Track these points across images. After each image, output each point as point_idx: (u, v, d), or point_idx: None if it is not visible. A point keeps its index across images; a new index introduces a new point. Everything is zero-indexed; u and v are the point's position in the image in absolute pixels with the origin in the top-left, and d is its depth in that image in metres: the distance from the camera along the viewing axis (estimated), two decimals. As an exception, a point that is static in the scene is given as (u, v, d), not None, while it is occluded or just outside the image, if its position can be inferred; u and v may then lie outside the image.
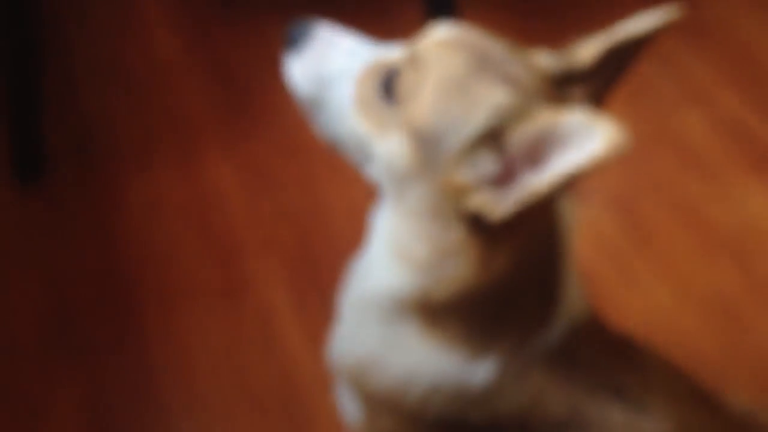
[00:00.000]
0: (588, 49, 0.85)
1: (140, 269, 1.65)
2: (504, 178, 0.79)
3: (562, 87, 0.86)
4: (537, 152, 0.75)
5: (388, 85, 0.86)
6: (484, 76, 0.81)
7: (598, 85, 0.87)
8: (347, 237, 1.68)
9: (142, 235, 1.71)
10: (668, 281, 1.59)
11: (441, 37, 0.86)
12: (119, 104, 1.97)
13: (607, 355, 0.91)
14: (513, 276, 0.84)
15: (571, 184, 0.75)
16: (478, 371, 0.88)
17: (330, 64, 0.91)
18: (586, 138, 0.70)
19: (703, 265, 1.61)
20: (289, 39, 0.94)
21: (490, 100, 0.80)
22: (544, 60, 0.86)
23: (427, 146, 0.82)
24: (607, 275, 1.60)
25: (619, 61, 0.86)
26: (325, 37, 0.93)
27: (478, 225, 0.81)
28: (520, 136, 0.76)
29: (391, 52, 0.90)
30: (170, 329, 1.56)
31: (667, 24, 0.84)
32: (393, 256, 0.88)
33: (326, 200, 1.77)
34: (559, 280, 0.88)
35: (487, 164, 0.79)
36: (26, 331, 1.58)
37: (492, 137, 0.79)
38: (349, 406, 1.03)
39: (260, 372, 1.51)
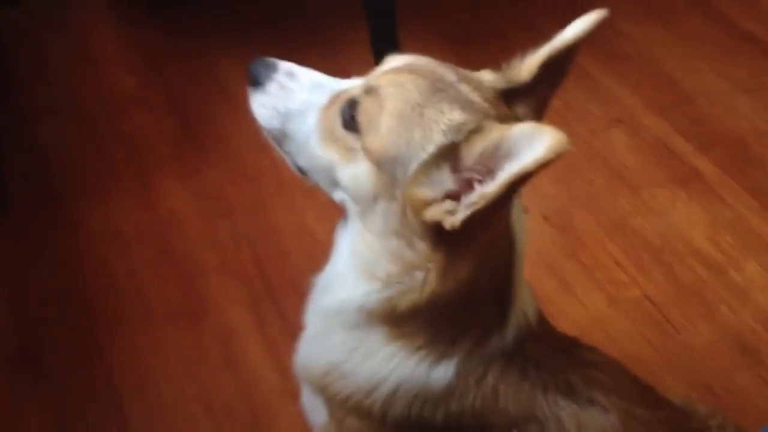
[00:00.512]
0: (526, 64, 0.92)
1: (102, 295, 1.69)
2: (462, 191, 0.84)
3: (508, 101, 0.92)
4: (491, 164, 0.80)
5: (348, 115, 0.91)
6: (436, 98, 0.87)
7: (538, 98, 0.94)
8: (299, 256, 1.76)
9: (102, 262, 1.75)
10: (601, 288, 1.68)
11: (393, 66, 0.93)
12: (77, 139, 2.02)
13: (555, 355, 0.97)
14: (472, 283, 0.90)
15: (518, 189, 0.81)
16: (439, 373, 0.94)
17: (293, 99, 0.98)
18: (532, 144, 0.76)
19: (633, 272, 1.70)
20: (253, 77, 1.01)
21: (443, 120, 0.86)
22: (489, 78, 0.93)
23: (388, 169, 0.88)
24: (543, 284, 1.67)
25: (555, 72, 0.93)
26: (286, 74, 1.00)
27: (440, 239, 0.86)
28: (473, 150, 0.82)
29: (351, 84, 0.97)
30: (134, 351, 1.60)
31: (598, 24, 0.91)
32: (358, 271, 0.94)
33: (278, 223, 1.83)
34: (512, 286, 0.94)
35: (444, 179, 0.84)
36: (-8, 357, 1.60)
37: (448, 154, 0.84)
38: (314, 413, 1.08)
39: (223, 389, 1.55)
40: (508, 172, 0.78)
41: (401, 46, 1.87)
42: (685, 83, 2.16)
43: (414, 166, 0.86)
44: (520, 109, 0.94)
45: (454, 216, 0.83)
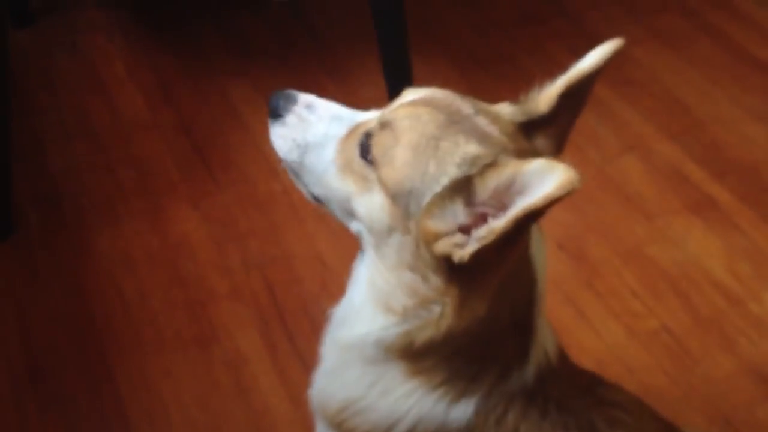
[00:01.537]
0: (544, 96, 0.92)
1: (112, 320, 1.68)
2: (475, 225, 0.83)
3: (528, 133, 0.92)
4: (505, 199, 0.80)
5: (365, 147, 0.91)
6: (451, 131, 0.87)
7: (558, 129, 0.94)
8: (311, 282, 1.75)
9: (112, 286, 1.73)
10: (618, 319, 1.66)
11: (410, 99, 0.93)
12: (87, 162, 2.01)
13: (577, 394, 0.95)
14: (490, 319, 0.88)
15: (529, 225, 0.81)
16: (459, 412, 0.92)
17: (312, 132, 0.98)
18: (543, 181, 0.75)
19: (650, 303, 1.68)
20: (272, 109, 1.01)
21: (458, 152, 0.85)
22: (507, 111, 0.93)
23: (402, 202, 0.87)
24: (559, 314, 1.64)
25: (573, 102, 0.93)
26: (306, 106, 1.00)
27: (453, 273, 0.85)
28: (487, 185, 0.81)
29: (370, 117, 0.96)
30: (144, 378, 1.58)
31: (615, 53, 0.91)
32: (375, 305, 0.93)
33: (289, 249, 1.81)
34: (533, 323, 0.92)
35: (457, 213, 0.83)
36: (1, 382, 1.58)
37: (461, 188, 0.83)
38: None
39: (234, 418, 1.53)
40: (517, 207, 0.77)
41: (413, 70, 1.87)
42: (698, 110, 2.15)
43: (427, 198, 0.85)
44: (540, 141, 0.93)
45: (463, 249, 0.82)
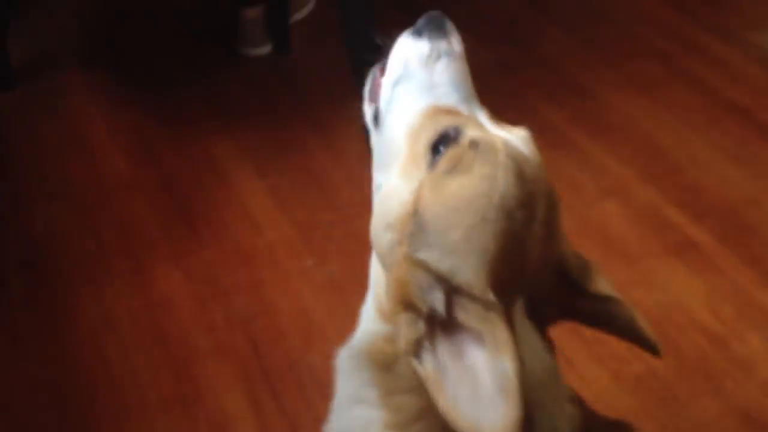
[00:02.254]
0: (601, 286, 0.87)
1: (94, 381, 1.66)
2: (443, 326, 0.76)
3: (566, 285, 0.86)
4: (465, 344, 0.75)
5: (441, 143, 0.81)
6: (500, 227, 0.77)
7: (589, 313, 0.89)
8: (295, 337, 1.74)
9: (94, 348, 1.72)
10: (603, 364, 1.65)
11: (516, 144, 0.81)
12: (69, 224, 2.00)
13: None
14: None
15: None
16: None
17: (432, 73, 0.88)
18: (489, 401, 0.71)
19: (635, 347, 1.68)
20: (418, 25, 0.90)
21: (479, 265, 0.76)
22: (572, 256, 0.86)
23: (417, 225, 0.79)
24: None
25: (602, 317, 0.89)
26: (446, 53, 0.88)
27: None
28: (466, 316, 0.75)
29: (482, 120, 0.86)
30: (127, 440, 1.56)
31: (648, 346, 0.91)
32: (373, 298, 0.88)
33: (273, 304, 1.81)
34: (531, 408, 0.81)
35: (435, 298, 0.77)
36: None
37: (451, 290, 0.76)
38: None
39: (219, 478, 1.51)
40: (449, 409, 0.73)
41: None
42: (675, 153, 2.17)
43: (425, 255, 0.78)
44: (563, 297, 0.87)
45: (408, 346, 0.76)
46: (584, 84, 2.40)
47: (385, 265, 0.84)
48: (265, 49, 2.57)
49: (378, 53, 0.92)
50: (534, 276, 0.81)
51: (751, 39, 2.56)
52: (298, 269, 1.87)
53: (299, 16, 2.72)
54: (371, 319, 0.89)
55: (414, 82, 0.87)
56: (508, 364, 0.72)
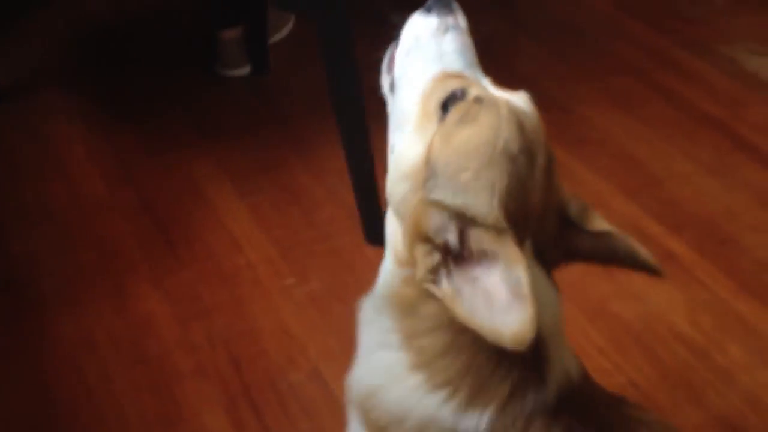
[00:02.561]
0: (598, 222, 0.94)
1: (75, 405, 1.64)
2: (455, 257, 0.83)
3: (568, 226, 0.93)
4: (483, 264, 0.81)
5: (449, 101, 0.90)
6: (507, 166, 0.84)
7: (588, 250, 0.95)
8: (277, 355, 1.73)
9: (75, 370, 1.70)
10: (585, 376, 1.66)
11: (520, 104, 0.90)
12: (48, 245, 2.00)
13: (602, 412, 0.94)
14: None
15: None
16: (471, 422, 0.89)
17: (440, 44, 0.97)
18: (505, 308, 0.78)
19: (616, 359, 1.69)
20: (428, 4, 1.00)
21: (487, 194, 0.83)
22: (569, 200, 0.93)
23: (429, 173, 0.87)
24: None
25: (604, 251, 0.95)
26: (453, 27, 0.99)
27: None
28: (479, 241, 0.82)
29: (485, 83, 0.95)
30: (109, 463, 1.55)
31: (650, 270, 0.96)
32: (390, 252, 0.95)
33: (255, 322, 1.80)
34: (545, 355, 0.89)
35: (448, 232, 0.83)
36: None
37: (465, 221, 0.83)
38: None
39: (202, 498, 1.50)
40: (467, 313, 0.80)
41: (373, 141, 1.89)
42: (652, 166, 2.19)
43: (440, 196, 0.85)
44: (573, 240, 0.94)
45: (425, 275, 0.83)
46: (561, 99, 2.42)
47: (401, 215, 0.91)
48: (244, 70, 2.58)
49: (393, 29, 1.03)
50: (539, 220, 0.88)
51: (723, 53, 2.60)
52: (279, 287, 1.87)
53: (278, 36, 2.73)
54: (389, 270, 0.95)
55: (424, 51, 0.97)
56: (520, 274, 0.79)
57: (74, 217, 2.07)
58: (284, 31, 2.76)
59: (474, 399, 0.89)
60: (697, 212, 2.04)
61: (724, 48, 2.63)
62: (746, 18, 2.78)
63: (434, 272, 0.84)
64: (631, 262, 0.96)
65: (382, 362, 0.94)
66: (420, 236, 0.85)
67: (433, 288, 0.84)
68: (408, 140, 0.91)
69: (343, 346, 1.70)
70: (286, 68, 2.62)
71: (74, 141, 2.32)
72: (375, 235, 1.96)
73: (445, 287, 0.83)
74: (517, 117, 0.87)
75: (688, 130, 2.30)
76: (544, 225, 0.89)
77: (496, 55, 2.61)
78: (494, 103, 0.88)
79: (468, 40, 0.99)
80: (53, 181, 2.19)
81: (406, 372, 0.91)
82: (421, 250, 0.84)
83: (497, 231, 0.82)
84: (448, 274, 0.84)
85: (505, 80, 0.94)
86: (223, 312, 1.82)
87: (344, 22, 1.73)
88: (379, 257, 2.00)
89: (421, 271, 0.84)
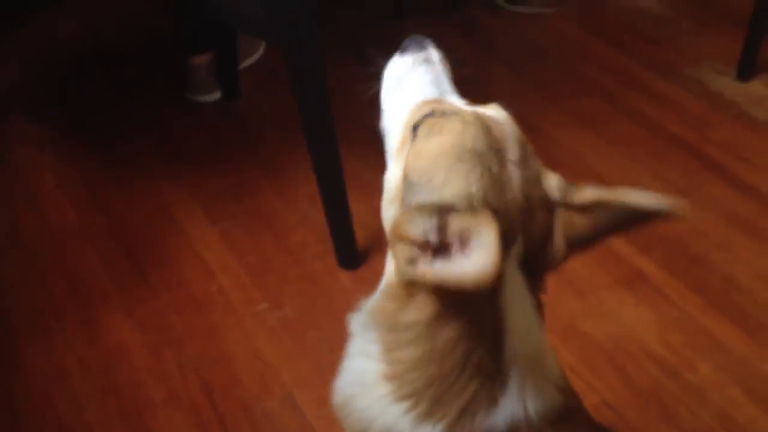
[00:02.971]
0: (586, 193, 0.95)
1: (45, 437, 1.62)
2: (435, 251, 0.84)
3: (561, 208, 0.95)
4: (465, 244, 0.82)
5: (420, 122, 0.96)
6: (476, 162, 0.88)
7: (592, 229, 0.95)
8: (250, 382, 1.72)
9: (45, 401, 1.68)
10: (559, 396, 1.67)
11: (487, 111, 0.96)
12: (17, 274, 1.97)
13: None
14: (445, 342, 0.88)
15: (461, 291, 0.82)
16: None
17: (417, 77, 1.06)
18: (471, 254, 0.80)
19: (588, 378, 1.69)
20: (403, 45, 1.11)
21: (462, 185, 0.87)
22: (553, 181, 0.95)
23: (407, 187, 0.92)
24: None
25: (609, 222, 0.95)
26: (425, 60, 1.08)
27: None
28: (458, 224, 0.83)
29: (456, 102, 1.03)
30: (80, 495, 1.53)
31: (660, 214, 0.94)
32: (385, 278, 0.98)
33: (228, 350, 1.79)
34: (502, 372, 0.90)
35: (428, 230, 0.84)
36: None
37: (443, 213, 0.85)
38: None
39: None
40: (436, 271, 0.82)
41: (343, 163, 1.89)
42: (620, 186, 2.21)
43: (417, 200, 0.89)
44: (575, 223, 0.96)
45: (405, 267, 0.85)
46: (531, 121, 2.44)
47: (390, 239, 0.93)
48: (214, 96, 2.58)
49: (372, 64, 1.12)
50: (525, 212, 0.90)
51: (689, 74, 2.64)
52: (251, 314, 1.86)
53: (248, 62, 2.74)
54: (379, 290, 0.98)
55: (404, 88, 1.06)
56: (492, 233, 0.80)
57: (44, 246, 2.06)
58: (254, 57, 2.76)
59: (431, 412, 0.91)
60: (665, 231, 2.06)
61: (689, 69, 2.67)
62: (710, 39, 2.83)
63: (413, 262, 0.85)
64: (635, 219, 0.95)
65: (360, 371, 0.98)
66: (400, 238, 0.86)
67: (410, 271, 0.85)
68: (391, 167, 0.98)
69: (318, 372, 1.71)
70: (256, 94, 2.62)
71: (44, 169, 2.31)
72: (348, 260, 1.96)
73: (422, 268, 0.84)
74: (482, 121, 0.93)
75: (655, 150, 2.33)
76: (533, 219, 0.91)
77: (467, 80, 2.62)
78: (457, 112, 0.95)
79: (441, 69, 1.08)
80: (22, 209, 2.17)
81: (379, 381, 0.95)
82: (399, 246, 0.86)
83: (475, 211, 0.84)
84: (427, 262, 0.85)
85: (476, 103, 0.98)
86: (195, 339, 1.81)
87: (314, 49, 1.74)
88: (353, 282, 2.01)
89: (400, 262, 0.85)
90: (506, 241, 0.86)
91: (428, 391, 0.91)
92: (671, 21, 2.95)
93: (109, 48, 2.87)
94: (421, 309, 0.90)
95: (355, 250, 1.96)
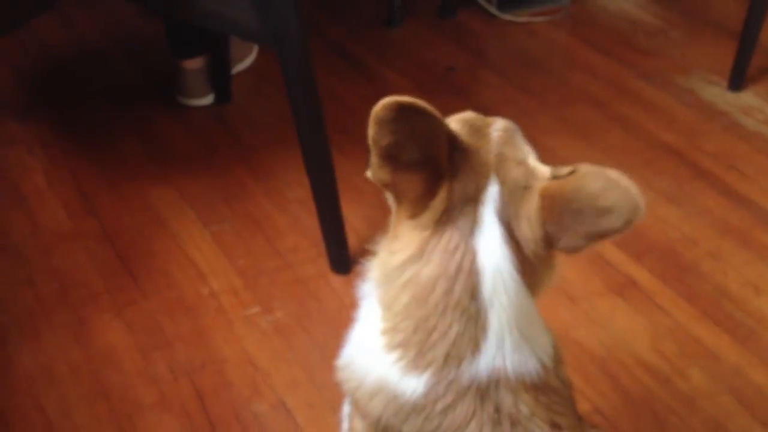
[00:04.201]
0: (565, 169, 0.94)
1: (33, 440, 1.61)
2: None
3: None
4: None
5: None
6: (461, 123, 0.97)
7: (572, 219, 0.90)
8: (241, 386, 1.71)
9: (34, 404, 1.66)
10: (551, 403, 1.67)
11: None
12: (6, 277, 1.95)
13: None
14: (434, 285, 0.90)
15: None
16: (410, 384, 0.93)
17: None
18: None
19: (581, 386, 1.69)
20: None
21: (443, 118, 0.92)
22: (540, 166, 0.96)
23: None
24: None
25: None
26: None
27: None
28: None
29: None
30: (68, 499, 1.51)
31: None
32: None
33: (219, 353, 1.78)
34: (483, 316, 0.91)
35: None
36: None
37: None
38: (345, 418, 1.09)
39: None
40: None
41: (336, 168, 1.89)
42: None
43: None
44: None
45: (375, 173, 0.91)
46: (523, 129, 2.43)
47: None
48: (206, 100, 2.57)
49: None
50: (500, 164, 0.93)
51: (679, 83, 2.66)
52: (242, 317, 1.86)
53: (241, 66, 2.73)
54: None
55: None
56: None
57: (34, 248, 2.04)
58: (247, 62, 2.76)
59: (418, 360, 0.93)
60: (657, 240, 2.07)
61: (680, 78, 2.68)
62: (702, 48, 2.85)
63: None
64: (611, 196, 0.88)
65: (362, 333, 1.00)
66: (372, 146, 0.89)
67: (374, 172, 0.90)
68: None
69: (309, 376, 1.70)
70: (249, 98, 2.62)
71: (34, 171, 2.29)
72: (340, 264, 1.96)
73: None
74: (463, 117, 0.99)
75: (647, 159, 2.34)
76: (509, 172, 0.92)
77: (459, 87, 2.64)
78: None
79: None
80: (12, 211, 2.15)
81: (376, 338, 0.96)
82: (372, 157, 0.90)
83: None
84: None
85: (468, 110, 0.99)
86: (186, 342, 1.80)
87: (306, 53, 1.74)
88: (345, 286, 2.01)
89: (373, 170, 0.91)
90: (480, 174, 0.92)
91: (415, 337, 0.92)
92: (663, 31, 2.97)
93: (101, 52, 2.85)
94: (406, 247, 0.93)
95: (347, 254, 1.96)
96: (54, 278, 1.95)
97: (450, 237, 0.91)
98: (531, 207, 0.90)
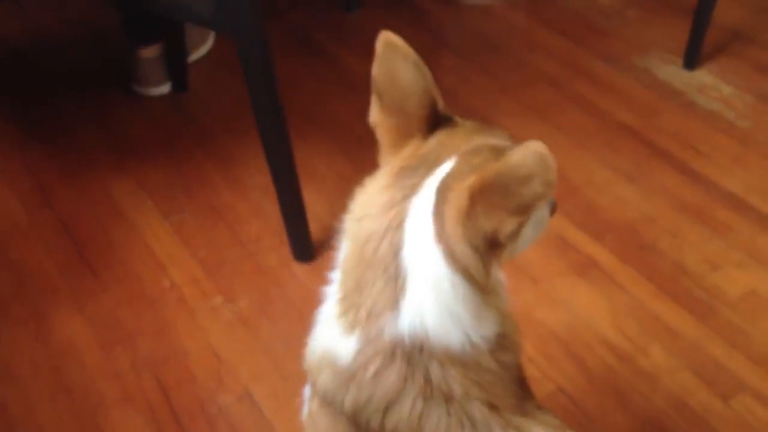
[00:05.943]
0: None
1: (-6, 439, 1.58)
2: None
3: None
4: None
5: None
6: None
7: None
8: (205, 378, 1.70)
9: (-7, 402, 1.64)
10: (515, 384, 1.68)
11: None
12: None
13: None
14: (367, 241, 0.90)
15: None
16: (346, 347, 0.92)
17: None
18: None
19: (544, 366, 1.71)
20: None
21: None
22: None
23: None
24: None
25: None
26: None
27: None
28: None
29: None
30: (32, 497, 1.49)
31: None
32: None
33: (182, 346, 1.77)
34: (401, 274, 0.89)
35: None
36: None
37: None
38: (306, 401, 1.06)
39: None
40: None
41: (297, 155, 1.88)
42: (572, 175, 2.24)
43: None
44: None
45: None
46: (482, 110, 2.45)
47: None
48: (163, 89, 2.54)
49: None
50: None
51: (636, 63, 2.68)
52: (205, 308, 1.84)
53: (198, 54, 2.70)
54: None
55: None
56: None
57: (-11, 242, 2.00)
58: (204, 49, 2.72)
59: (352, 320, 0.92)
60: (617, 219, 2.09)
61: (637, 58, 2.70)
62: (658, 28, 2.87)
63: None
64: None
65: (325, 311, 0.98)
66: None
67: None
68: None
69: (274, 366, 1.70)
70: (206, 86, 2.58)
71: (-13, 164, 2.25)
72: (303, 253, 1.95)
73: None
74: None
75: (605, 139, 2.36)
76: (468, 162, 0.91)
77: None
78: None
79: None
80: (-35, 205, 2.11)
81: (333, 306, 0.95)
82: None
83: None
84: None
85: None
86: (147, 335, 1.78)
87: (262, 38, 1.72)
88: (308, 274, 2.00)
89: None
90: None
91: (353, 296, 0.92)
92: (619, 11, 2.99)
93: (56, 41, 2.80)
94: (367, 200, 0.94)
95: (310, 241, 1.95)
96: (10, 272, 1.92)
97: (393, 194, 0.90)
98: (457, 203, 0.87)
